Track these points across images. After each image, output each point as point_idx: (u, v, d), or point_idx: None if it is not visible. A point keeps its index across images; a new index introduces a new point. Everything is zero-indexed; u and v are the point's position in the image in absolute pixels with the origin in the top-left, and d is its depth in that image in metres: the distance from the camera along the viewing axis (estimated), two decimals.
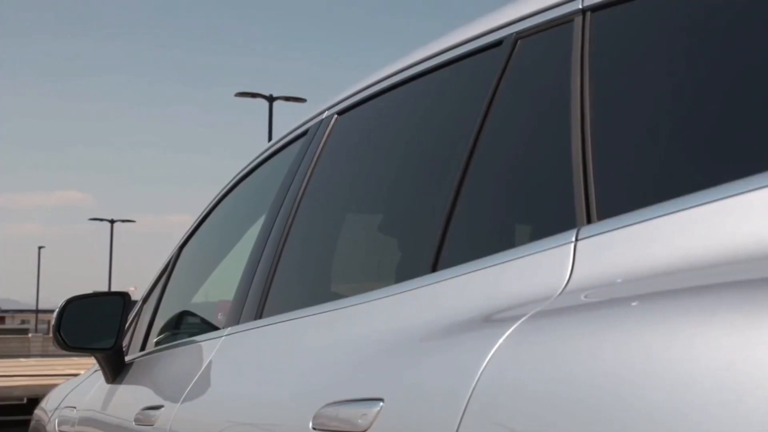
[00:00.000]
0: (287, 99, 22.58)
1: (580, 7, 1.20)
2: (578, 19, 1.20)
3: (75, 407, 2.71)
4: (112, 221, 39.14)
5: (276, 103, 22.48)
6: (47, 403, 3.15)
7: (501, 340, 0.96)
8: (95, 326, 2.40)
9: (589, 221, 1.05)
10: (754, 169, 0.85)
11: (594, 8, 1.18)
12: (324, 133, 1.86)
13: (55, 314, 2.37)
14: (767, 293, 0.72)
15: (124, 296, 2.45)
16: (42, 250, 51.12)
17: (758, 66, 0.95)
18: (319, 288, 1.74)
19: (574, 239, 1.02)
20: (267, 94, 22.45)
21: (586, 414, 0.79)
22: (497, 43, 1.36)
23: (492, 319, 1.02)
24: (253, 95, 22.41)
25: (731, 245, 0.82)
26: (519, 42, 1.32)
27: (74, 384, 2.97)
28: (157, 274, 2.65)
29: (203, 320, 2.38)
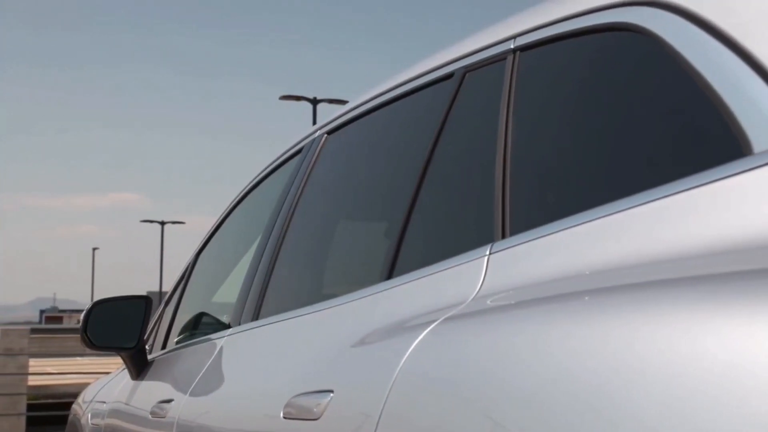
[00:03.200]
0: (330, 101, 22.87)
1: (512, 47, 1.37)
2: (510, 57, 1.37)
3: (105, 402, 2.94)
4: (162, 223, 39.90)
5: (320, 105, 22.78)
6: (82, 398, 3.39)
7: (417, 340, 1.14)
8: (120, 327, 2.61)
9: (503, 237, 1.21)
10: (635, 189, 1.01)
11: (522, 48, 1.35)
12: (315, 151, 2.05)
13: (82, 316, 2.60)
14: (656, 295, 0.86)
15: (146, 299, 2.67)
16: (96, 251, 52.27)
17: (654, 102, 1.11)
18: (305, 293, 1.94)
19: (488, 252, 1.20)
20: (311, 96, 22.78)
21: (475, 396, 0.97)
22: (449, 76, 1.54)
23: (412, 324, 1.20)
24: (297, 98, 22.75)
25: (618, 253, 0.98)
26: (467, 75, 1.49)
27: (105, 381, 3.21)
28: (178, 278, 2.87)
29: (216, 321, 2.59)
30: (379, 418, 1.13)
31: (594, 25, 1.19)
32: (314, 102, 22.66)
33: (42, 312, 61.15)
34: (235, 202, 2.58)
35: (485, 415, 0.93)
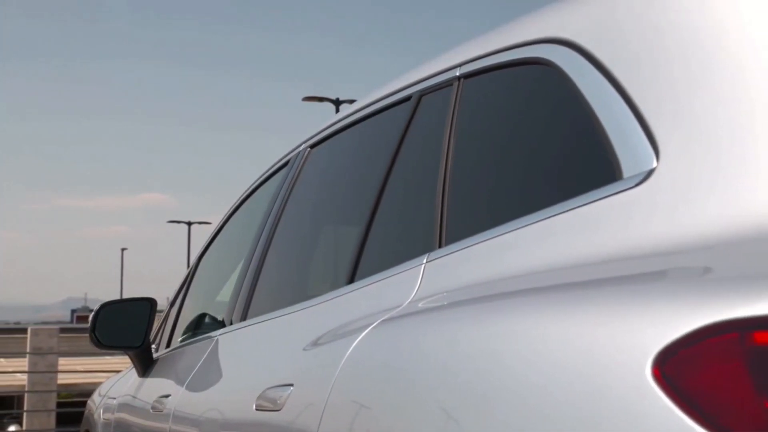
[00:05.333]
0: (352, 102, 23.05)
1: (457, 74, 1.52)
2: (456, 84, 1.52)
3: (115, 398, 3.13)
4: (189, 223, 40.30)
5: (342, 106, 22.99)
6: (97, 394, 3.58)
7: (357, 340, 1.30)
8: (126, 327, 2.78)
9: (440, 246, 1.36)
10: (544, 204, 1.16)
11: (465, 76, 1.50)
12: (300, 164, 2.21)
13: (90, 317, 2.77)
14: (558, 297, 1.00)
15: (151, 301, 2.83)
16: (125, 251, 52.89)
17: (560, 128, 1.25)
18: (282, 295, 2.10)
19: (425, 261, 1.35)
20: (334, 97, 23.00)
21: (402, 383, 1.12)
22: (408, 98, 1.69)
23: (357, 325, 1.36)
24: (320, 99, 22.97)
25: (528, 260, 1.13)
26: (422, 98, 1.64)
27: (117, 378, 3.40)
28: (182, 280, 3.05)
29: (214, 321, 2.76)
30: (325, 406, 1.29)
31: (517, 59, 1.34)
32: (336, 103, 22.88)
33: (73, 311, 61.83)
34: (232, 210, 2.75)
35: (410, 396, 1.09)
